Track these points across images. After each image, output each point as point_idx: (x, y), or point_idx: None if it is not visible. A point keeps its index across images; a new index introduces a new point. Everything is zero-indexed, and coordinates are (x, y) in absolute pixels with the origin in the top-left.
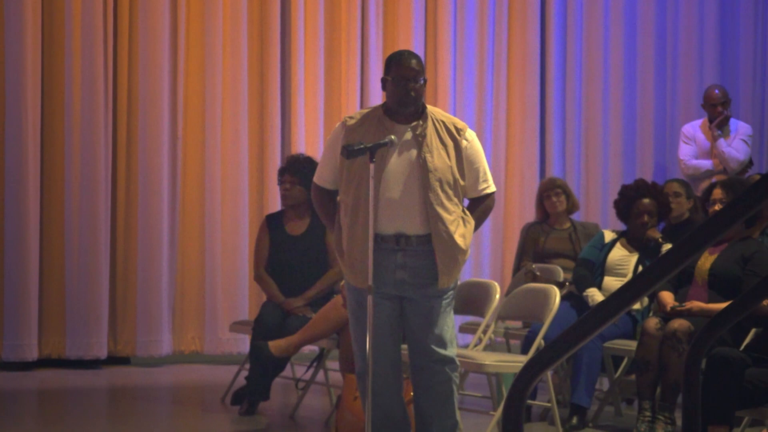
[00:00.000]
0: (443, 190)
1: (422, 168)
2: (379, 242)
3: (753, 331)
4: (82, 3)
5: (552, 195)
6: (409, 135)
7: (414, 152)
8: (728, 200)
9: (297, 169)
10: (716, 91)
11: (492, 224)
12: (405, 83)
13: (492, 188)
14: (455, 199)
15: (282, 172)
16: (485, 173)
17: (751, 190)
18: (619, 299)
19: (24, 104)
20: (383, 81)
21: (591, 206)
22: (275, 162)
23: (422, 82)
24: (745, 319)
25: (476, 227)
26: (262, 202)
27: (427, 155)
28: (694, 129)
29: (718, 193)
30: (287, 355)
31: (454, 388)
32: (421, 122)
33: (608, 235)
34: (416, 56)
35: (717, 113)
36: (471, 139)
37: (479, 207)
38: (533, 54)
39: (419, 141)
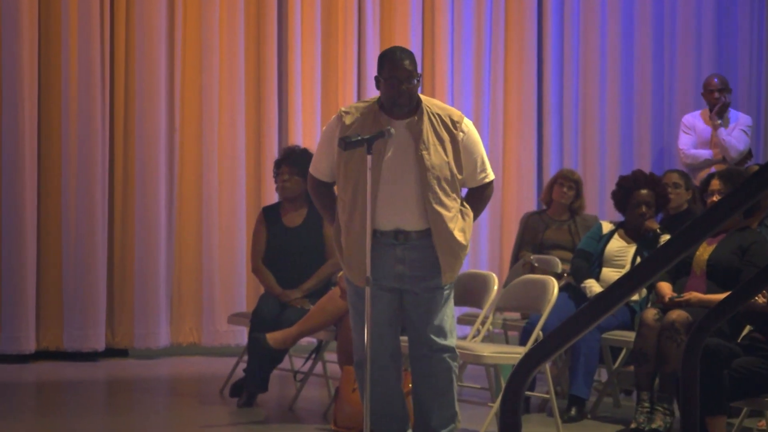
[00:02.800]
0: (441, 188)
1: (419, 166)
2: (378, 237)
3: None
4: None
5: (564, 184)
6: (405, 131)
7: (411, 149)
8: (726, 191)
9: (294, 160)
10: (715, 79)
11: (489, 215)
12: (398, 84)
13: (491, 176)
14: (453, 194)
15: (278, 163)
16: (483, 162)
17: (750, 181)
18: (618, 290)
19: (21, 97)
20: (376, 80)
21: (588, 197)
22: (272, 154)
23: (415, 81)
24: (739, 316)
25: (475, 217)
26: (259, 194)
27: (424, 153)
28: (694, 118)
29: (716, 183)
30: (285, 347)
31: (453, 378)
32: (416, 118)
33: (606, 226)
34: (409, 55)
35: (714, 99)
36: (468, 129)
37: (479, 197)
38: (530, 44)
39: (416, 137)
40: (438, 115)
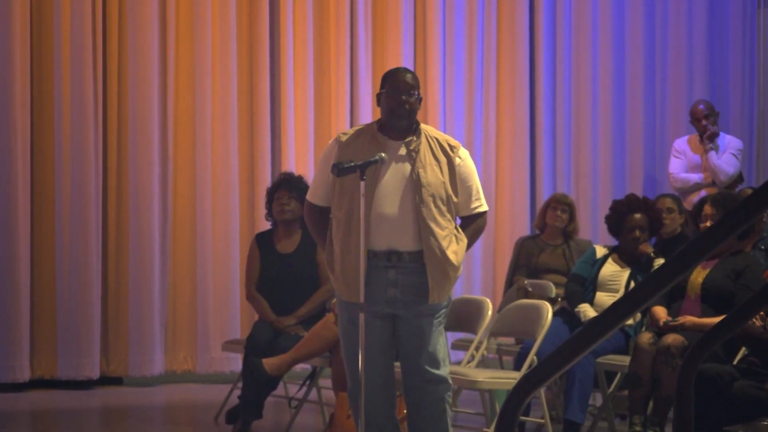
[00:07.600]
0: (436, 206)
1: (415, 183)
2: (371, 258)
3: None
4: (71, 20)
5: (558, 208)
6: (402, 150)
7: (407, 168)
8: (718, 215)
9: (291, 185)
10: (701, 106)
11: (483, 241)
12: (399, 96)
13: (484, 207)
14: (448, 216)
15: (275, 188)
16: (478, 192)
17: (744, 205)
18: (612, 315)
19: (13, 123)
20: (378, 96)
21: (582, 221)
22: (266, 180)
23: (416, 96)
24: (735, 339)
25: (468, 246)
26: (253, 221)
27: (421, 170)
28: (684, 143)
29: (708, 208)
30: (280, 373)
31: (447, 408)
32: (414, 138)
33: (600, 251)
34: (412, 72)
35: (702, 127)
36: (464, 157)
37: (471, 226)
38: (522, 70)
39: (413, 156)
40: (436, 139)
